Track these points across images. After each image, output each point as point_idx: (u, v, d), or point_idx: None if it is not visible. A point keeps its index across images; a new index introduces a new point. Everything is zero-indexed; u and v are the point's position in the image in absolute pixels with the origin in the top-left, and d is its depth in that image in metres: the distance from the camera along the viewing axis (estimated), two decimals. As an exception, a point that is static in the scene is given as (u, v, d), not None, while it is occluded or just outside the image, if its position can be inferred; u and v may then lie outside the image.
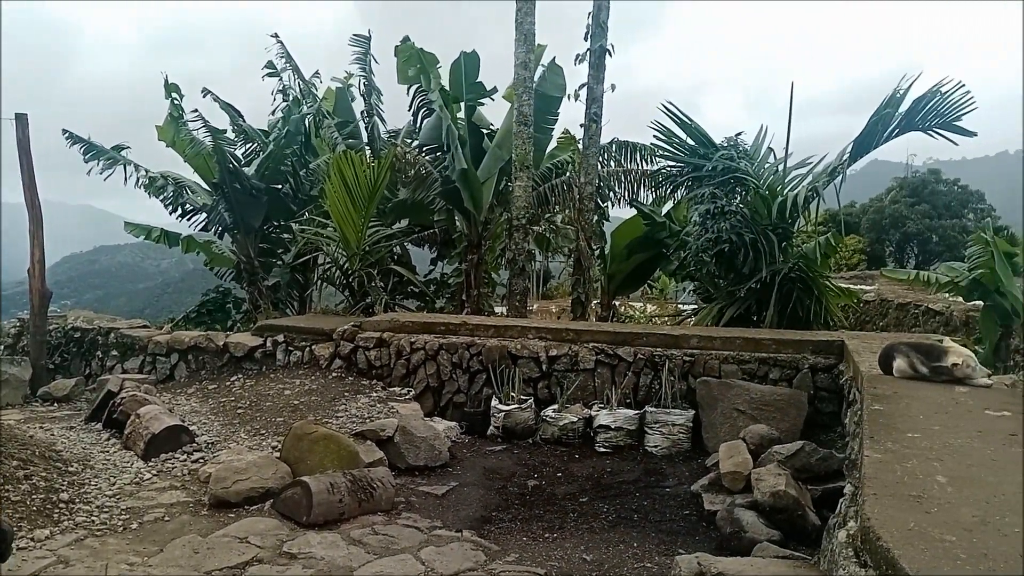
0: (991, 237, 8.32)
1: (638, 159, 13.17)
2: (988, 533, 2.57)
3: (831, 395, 6.97)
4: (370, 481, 5.05)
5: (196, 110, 12.10)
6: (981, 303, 8.80)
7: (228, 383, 7.94)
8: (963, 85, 8.52)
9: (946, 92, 8.60)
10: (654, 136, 10.36)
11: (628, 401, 7.43)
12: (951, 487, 3.02)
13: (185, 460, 5.68)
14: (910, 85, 8.83)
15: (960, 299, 10.26)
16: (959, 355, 4.95)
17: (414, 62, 12.27)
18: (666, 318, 14.27)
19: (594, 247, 12.19)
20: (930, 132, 8.92)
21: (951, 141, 8.94)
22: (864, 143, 9.27)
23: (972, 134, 8.82)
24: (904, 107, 8.88)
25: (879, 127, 9.11)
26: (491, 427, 7.49)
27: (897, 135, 9.14)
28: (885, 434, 3.75)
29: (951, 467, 3.26)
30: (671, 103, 10.00)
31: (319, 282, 12.41)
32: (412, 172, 11.91)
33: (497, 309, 13.22)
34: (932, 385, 4.85)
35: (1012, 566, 2.33)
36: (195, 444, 5.94)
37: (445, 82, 12.40)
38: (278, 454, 5.56)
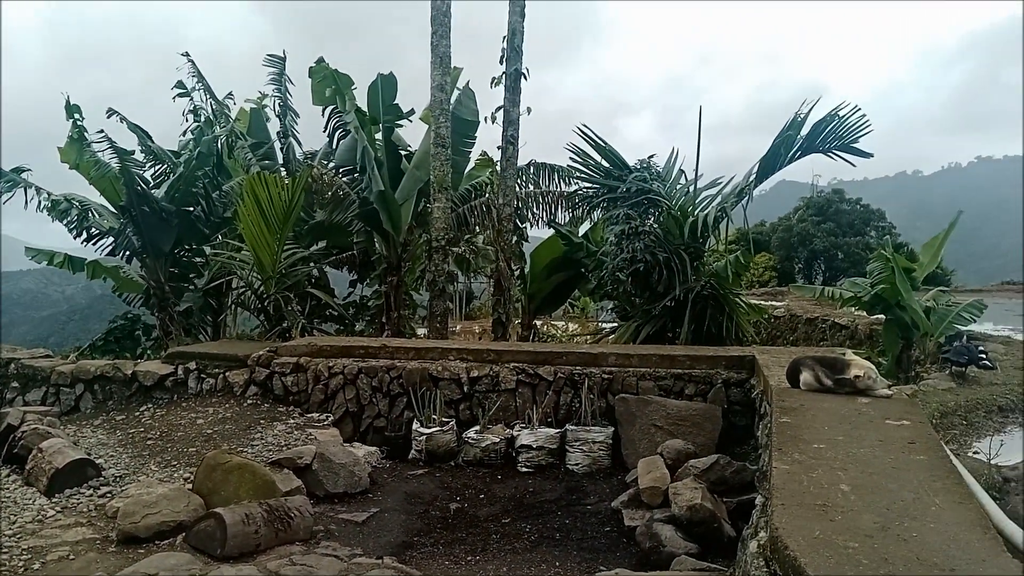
0: (891, 254, 8.52)
1: (556, 180, 13.35)
2: (888, 538, 2.68)
3: (744, 408, 7.10)
4: (287, 510, 4.90)
5: (101, 131, 11.59)
6: (883, 317, 8.99)
7: (137, 413, 7.60)
8: (859, 109, 8.83)
9: (844, 116, 8.88)
10: (570, 158, 10.51)
11: (549, 420, 7.43)
12: (854, 495, 3.14)
13: (91, 495, 5.39)
14: (811, 109, 9.12)
15: (864, 313, 10.47)
16: (860, 367, 5.08)
17: (329, 83, 12.15)
18: (587, 336, 14.39)
19: (514, 267, 12.21)
20: (830, 154, 9.18)
21: (849, 163, 9.25)
22: (769, 164, 9.49)
23: (868, 155, 9.11)
24: (805, 130, 9.13)
25: (782, 149, 9.34)
26: (413, 451, 7.38)
27: (800, 156, 9.38)
28: (793, 446, 3.85)
29: (854, 476, 3.37)
30: (586, 126, 10.19)
31: (233, 307, 12.05)
32: (329, 194, 11.74)
33: (419, 331, 13.11)
34: (837, 397, 4.97)
35: (910, 568, 2.45)
36: (102, 478, 5.65)
37: (362, 103, 12.31)
38: (190, 486, 5.33)
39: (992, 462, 4.21)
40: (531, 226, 13.57)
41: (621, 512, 5.64)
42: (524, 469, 7.03)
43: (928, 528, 2.77)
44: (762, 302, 14.98)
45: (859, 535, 2.71)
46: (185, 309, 11.96)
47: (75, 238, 11.37)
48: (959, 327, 8.52)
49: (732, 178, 10.14)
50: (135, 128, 12.23)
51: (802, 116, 9.12)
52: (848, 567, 2.46)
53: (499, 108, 11.63)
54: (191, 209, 11.63)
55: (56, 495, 5.34)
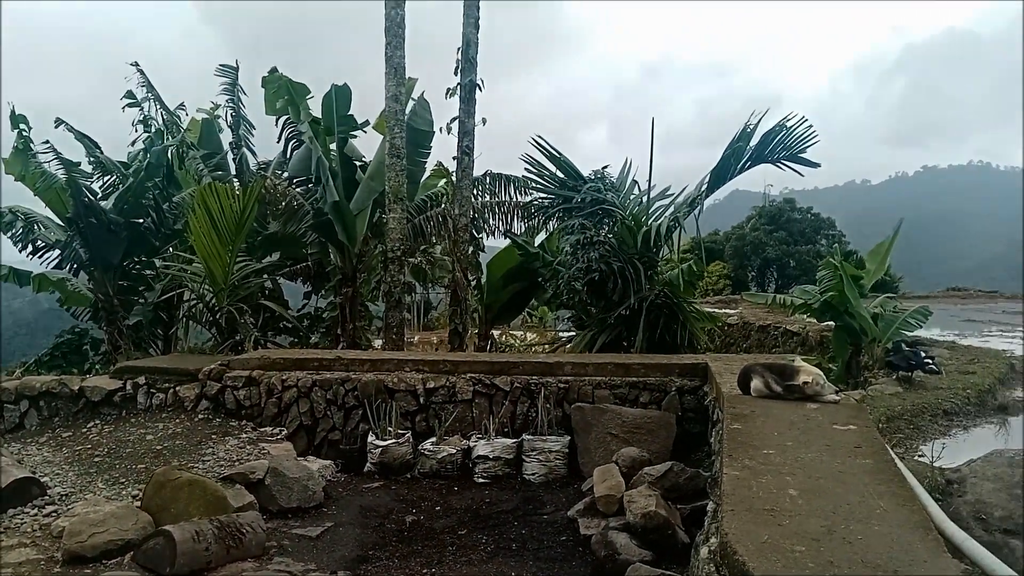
0: (840, 262, 8.52)
1: (512, 191, 13.30)
2: (834, 542, 2.72)
3: (697, 415, 7.04)
4: (239, 526, 4.76)
5: (47, 141, 11.30)
6: (832, 323, 8.97)
7: (84, 430, 7.30)
8: (806, 120, 8.87)
9: (791, 127, 8.91)
10: (525, 169, 10.47)
11: (506, 430, 7.32)
12: (802, 499, 3.17)
13: (36, 515, 5.20)
14: (759, 120, 9.16)
15: (814, 320, 10.36)
16: (809, 373, 5.09)
17: (283, 93, 11.99)
18: (545, 345, 14.21)
19: (470, 278, 12.13)
20: (778, 164, 9.20)
21: (798, 172, 9.25)
22: (720, 175, 9.49)
23: (816, 165, 9.16)
24: (755, 141, 9.13)
25: (733, 160, 9.36)
26: (368, 463, 7.21)
27: (750, 167, 9.41)
28: (743, 452, 3.87)
29: (802, 480, 3.41)
30: (541, 137, 10.16)
31: (184, 320, 11.71)
32: (283, 204, 11.52)
33: (376, 342, 12.83)
34: (786, 403, 4.98)
35: (855, 570, 2.50)
36: (47, 497, 5.45)
37: (317, 113, 12.15)
38: (139, 503, 5.13)
39: (935, 465, 4.30)
40: (487, 236, 13.50)
41: (577, 521, 5.58)
42: (481, 480, 6.93)
43: (872, 531, 2.82)
44: (716, 310, 15.04)
45: (806, 539, 2.75)
46: (135, 323, 11.55)
47: (20, 251, 11.05)
48: (906, 333, 8.58)
49: (685, 188, 10.14)
50: (82, 138, 11.84)
51: (751, 127, 9.16)
52: (795, 571, 2.51)
53: (454, 119, 11.56)
54: (141, 221, 11.25)
55: (-1, 515, 5.17)
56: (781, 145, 9.05)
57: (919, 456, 4.83)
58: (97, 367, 11.16)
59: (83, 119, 12.40)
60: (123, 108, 12.60)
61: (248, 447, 6.70)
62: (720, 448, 4.42)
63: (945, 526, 3.29)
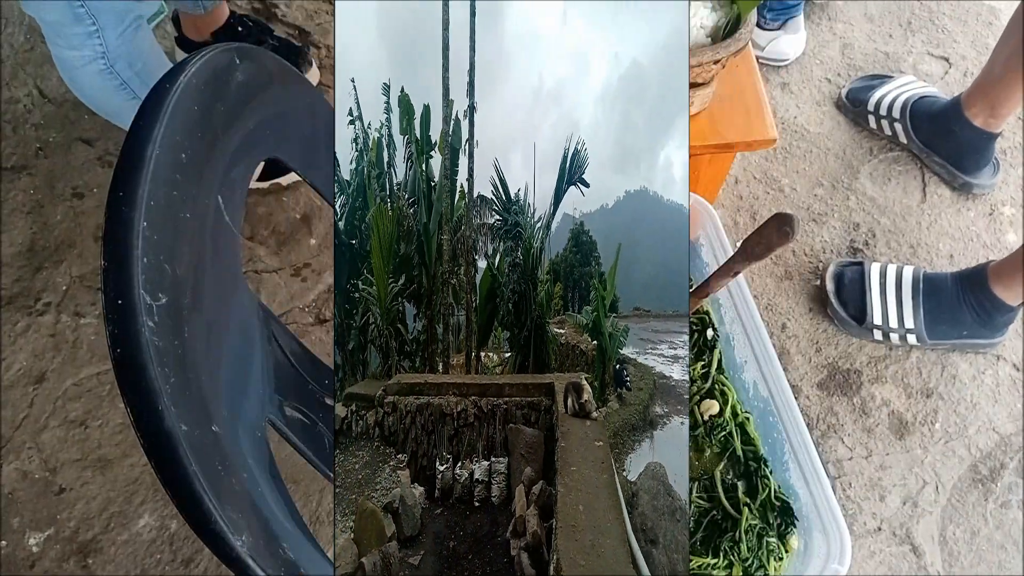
0: (598, 283, 5.87)
1: (487, 212, 8.50)
2: (596, 556, 1.19)
3: (551, 433, 2.23)
4: (388, 556, 1.51)
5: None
6: (596, 343, 6.50)
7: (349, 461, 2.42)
8: (584, 144, 5.96)
9: (579, 149, 5.93)
10: (492, 191, 6.49)
11: (486, 452, 2.23)
12: (585, 515, 1.43)
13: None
14: (569, 143, 5.64)
15: (591, 339, 7.42)
16: (587, 392, 1.96)
17: (405, 113, 7.39)
18: (500, 366, 5.35)
19: (471, 299, 7.89)
20: (576, 184, 6.33)
21: (582, 193, 6.22)
22: (557, 196, 5.95)
23: (586, 185, 6.19)
24: (568, 163, 6.14)
25: (560, 182, 6.03)
26: (437, 489, 2.09)
27: (568, 188, 5.50)
28: (564, 469, 1.66)
29: (585, 496, 1.53)
30: (496, 160, 6.19)
31: (368, 344, 3.65)
32: (405, 225, 6.94)
33: (439, 366, 4.53)
34: (581, 420, 1.85)
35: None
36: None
37: (418, 133, 7.70)
38: (353, 535, 1.56)
39: (629, 479, 2.92)
40: (478, 258, 9.41)
41: (509, 542, 1.73)
42: (476, 503, 2.04)
43: (600, 542, 1.13)
44: (557, 330, 10.18)
45: (592, 555, 1.17)
46: (352, 347, 6.37)
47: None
48: (620, 351, 5.78)
49: (545, 212, 6.38)
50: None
51: (568, 150, 6.22)
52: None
53: (466, 140, 6.93)
54: (353, 242, 6.64)
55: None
56: (578, 166, 5.98)
57: (624, 471, 2.54)
58: (338, 394, 6.65)
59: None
60: (348, 124, 7.88)
61: (392, 475, 2.10)
62: (557, 466, 1.81)
63: (629, 537, 1.41)
